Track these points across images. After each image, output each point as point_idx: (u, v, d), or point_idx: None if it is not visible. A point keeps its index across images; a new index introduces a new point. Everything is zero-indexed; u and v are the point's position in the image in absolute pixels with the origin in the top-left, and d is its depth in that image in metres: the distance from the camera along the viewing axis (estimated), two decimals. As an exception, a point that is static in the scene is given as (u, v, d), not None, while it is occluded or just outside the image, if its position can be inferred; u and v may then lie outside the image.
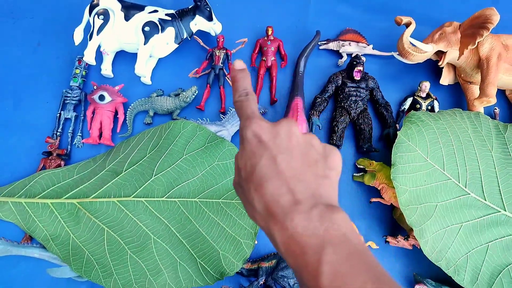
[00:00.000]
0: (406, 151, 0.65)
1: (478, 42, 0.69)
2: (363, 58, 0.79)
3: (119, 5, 0.76)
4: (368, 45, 0.81)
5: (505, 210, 0.66)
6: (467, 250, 0.64)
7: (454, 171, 0.66)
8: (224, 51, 0.80)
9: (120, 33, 0.76)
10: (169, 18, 0.78)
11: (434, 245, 0.63)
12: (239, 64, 0.40)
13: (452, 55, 0.72)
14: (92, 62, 0.76)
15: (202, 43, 0.82)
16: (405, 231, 0.69)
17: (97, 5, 0.76)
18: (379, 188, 0.70)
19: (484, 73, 0.69)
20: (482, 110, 0.75)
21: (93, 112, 0.77)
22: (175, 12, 0.79)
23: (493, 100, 0.68)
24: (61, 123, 0.78)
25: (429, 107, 0.76)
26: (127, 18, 0.76)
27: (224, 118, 0.76)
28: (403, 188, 0.63)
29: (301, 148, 0.34)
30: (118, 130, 0.78)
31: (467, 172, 0.67)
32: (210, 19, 0.79)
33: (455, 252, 0.64)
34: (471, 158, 0.67)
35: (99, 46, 0.78)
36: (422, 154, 0.65)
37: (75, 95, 0.79)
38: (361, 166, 0.73)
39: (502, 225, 0.66)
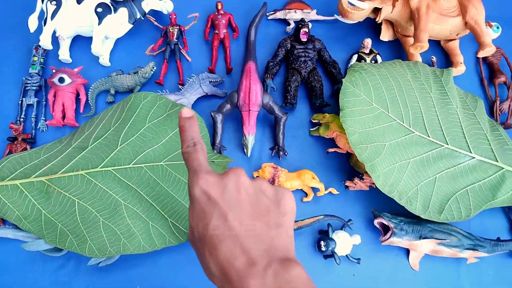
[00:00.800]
0: (352, 96, 0.70)
1: (407, -5, 0.75)
2: (309, 24, 0.84)
3: (71, -10, 0.79)
4: (312, 10, 0.87)
5: (448, 144, 0.72)
6: (417, 183, 0.70)
7: (398, 113, 0.72)
8: (178, 27, 0.84)
9: (73, 17, 0.79)
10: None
11: (386, 179, 0.68)
12: (186, 112, 0.39)
13: (387, 10, 0.79)
14: (49, 46, 0.79)
15: (155, 22, 0.85)
16: (361, 174, 0.74)
17: (49, -9, 0.79)
18: (334, 137, 0.75)
19: (416, 22, 0.75)
20: (420, 59, 0.82)
21: (55, 96, 0.79)
22: (127, -7, 0.82)
23: (425, 45, 0.74)
24: (24, 109, 0.79)
25: (373, 61, 0.82)
26: (79, 1, 0.79)
27: (182, 88, 0.80)
28: (352, 130, 0.68)
29: (251, 199, 0.34)
30: (81, 111, 0.80)
31: (410, 113, 0.73)
32: (161, -3, 0.82)
33: (406, 185, 0.69)
34: (412, 100, 0.73)
35: (54, 32, 0.80)
36: (367, 99, 0.71)
37: (35, 81, 0.80)
38: (316, 121, 0.78)
39: (446, 157, 0.72)
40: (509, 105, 0.80)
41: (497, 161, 0.72)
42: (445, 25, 0.79)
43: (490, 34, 0.83)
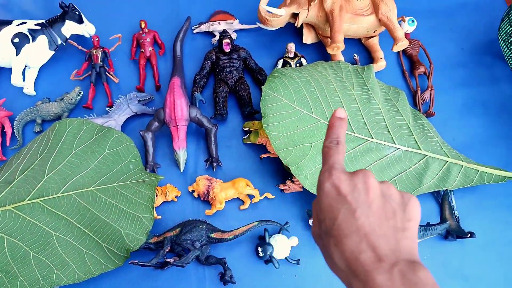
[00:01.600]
0: (273, 102, 0.71)
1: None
2: (234, 34, 0.85)
3: (-16, 23, 0.78)
4: (235, 20, 0.88)
5: (373, 138, 0.75)
6: (346, 179, 0.72)
7: (321, 113, 0.74)
8: (101, 49, 0.84)
9: (-10, 49, 0.77)
10: (39, 27, 0.80)
11: (314, 179, 0.70)
12: (340, 112, 0.40)
13: (303, 15, 0.81)
14: (-33, 82, 0.77)
15: (78, 46, 0.85)
16: (292, 176, 0.76)
17: (-39, 25, 0.77)
18: (264, 143, 0.76)
19: (331, 24, 0.78)
20: (342, 59, 0.85)
21: (-22, 131, 0.77)
22: (45, 21, 0.81)
23: (341, 46, 0.77)
24: None
25: (298, 65, 0.84)
26: (-6, 33, 0.77)
27: (110, 110, 0.79)
28: (275, 135, 0.70)
29: (379, 200, 0.34)
30: (7, 144, 0.78)
31: (334, 112, 0.75)
32: (80, 21, 0.82)
33: (336, 182, 0.71)
34: (334, 99, 0.76)
35: (-28, 66, 0.78)
36: (289, 103, 0.73)
37: (-43, 118, 0.78)
38: (247, 128, 0.79)
39: (373, 151, 0.74)
40: (430, 94, 0.84)
41: (420, 149, 0.75)
42: (360, 24, 0.82)
43: (404, 28, 0.87)
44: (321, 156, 0.70)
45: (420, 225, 0.72)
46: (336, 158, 0.37)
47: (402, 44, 0.79)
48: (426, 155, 0.75)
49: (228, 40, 0.81)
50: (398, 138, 0.75)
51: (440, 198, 0.76)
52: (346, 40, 0.83)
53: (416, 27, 0.88)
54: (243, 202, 0.76)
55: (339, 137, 0.39)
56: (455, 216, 0.73)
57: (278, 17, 0.80)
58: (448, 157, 0.75)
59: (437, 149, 0.76)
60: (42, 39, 0.80)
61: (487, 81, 0.87)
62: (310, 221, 0.71)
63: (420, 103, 0.84)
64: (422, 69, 0.86)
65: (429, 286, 0.30)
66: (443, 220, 0.73)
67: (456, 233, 0.72)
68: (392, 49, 0.79)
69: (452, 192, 0.75)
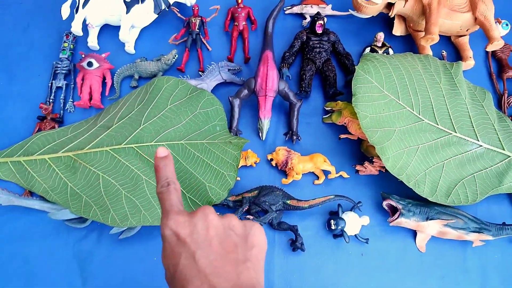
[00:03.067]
0: (364, 83, 0.73)
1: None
2: (325, 18, 0.88)
3: (102, -20, 0.85)
4: (328, 5, 0.91)
5: (456, 132, 0.75)
6: (425, 168, 0.73)
7: (408, 101, 0.75)
8: (200, 18, 0.89)
9: (103, 5, 0.84)
10: (148, -9, 0.86)
11: (395, 162, 0.71)
12: (161, 152, 0.40)
13: (400, 5, 0.82)
14: (79, 33, 0.84)
15: (178, 14, 0.90)
16: (372, 158, 0.77)
17: (82, -19, 0.84)
18: (346, 124, 0.78)
19: (427, 16, 0.79)
20: (431, 53, 0.85)
21: (83, 79, 0.84)
22: (153, -14, 0.87)
23: (436, 38, 0.78)
24: (53, 91, 0.85)
25: (385, 54, 0.86)
26: (109, -9, 0.84)
27: (203, 74, 0.84)
28: (364, 114, 0.72)
29: (220, 236, 0.35)
30: (107, 94, 0.85)
31: (420, 102, 0.76)
32: (184, -10, 0.88)
33: (415, 169, 0.72)
34: (422, 90, 0.77)
35: (85, 20, 0.85)
36: (378, 86, 0.74)
37: (65, 65, 0.86)
38: (329, 108, 0.82)
39: (454, 145, 0.75)
40: (517, 98, 0.83)
41: (503, 150, 0.75)
42: (455, 20, 0.82)
43: (499, 29, 0.86)
44: (402, 142, 0.72)
45: (495, 224, 0.72)
46: (170, 200, 0.37)
47: (498, 44, 0.78)
48: (510, 156, 0.74)
49: (321, 22, 0.84)
50: (482, 136, 0.75)
51: (518, 201, 0.75)
52: (436, 35, 0.84)
53: (509, 31, 0.87)
54: (317, 178, 0.78)
55: (168, 177, 0.39)
56: (535, 220, 0.72)
57: (374, 5, 0.82)
58: (533, 161, 0.74)
59: (521, 152, 0.75)
60: (149, 2, 0.86)
61: None
62: (384, 203, 0.72)
63: (506, 106, 0.83)
64: (510, 73, 0.85)
65: None
66: (521, 221, 0.72)
67: (534, 236, 0.71)
68: (486, 48, 0.79)
69: (532, 197, 0.74)
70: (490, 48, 0.79)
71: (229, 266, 0.34)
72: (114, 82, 0.85)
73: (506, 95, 0.84)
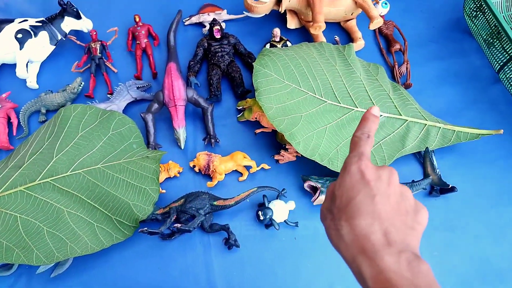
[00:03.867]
0: (264, 77, 0.78)
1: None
2: (223, 24, 0.92)
3: (-12, 21, 0.83)
4: (223, 10, 0.95)
5: (357, 107, 0.81)
6: (335, 145, 0.78)
7: (309, 86, 0.80)
8: (99, 42, 0.89)
9: (-5, 46, 0.82)
10: (40, 24, 0.85)
11: (306, 145, 0.75)
12: (376, 111, 0.42)
13: (286, 1, 0.88)
14: (-27, 77, 0.81)
15: (77, 41, 0.90)
16: (285, 145, 0.81)
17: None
18: (258, 118, 0.82)
19: (312, 7, 0.85)
20: (324, 40, 0.92)
21: (-14, 123, 0.81)
22: (45, 18, 0.86)
23: (322, 25, 0.84)
24: (-45, 141, 0.81)
25: (283, 47, 0.91)
26: (-2, 30, 0.82)
27: (111, 97, 0.84)
28: (269, 106, 0.76)
29: (396, 196, 0.37)
30: (14, 134, 0.82)
31: (320, 85, 0.81)
32: (78, 17, 0.87)
33: (326, 148, 0.77)
34: (320, 74, 0.82)
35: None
36: (278, 77, 0.79)
37: (-36, 112, 0.82)
38: (241, 107, 0.85)
39: (358, 119, 0.80)
40: (406, 68, 0.92)
41: (401, 115, 0.82)
42: (338, 6, 0.90)
43: (379, 10, 0.95)
44: (310, 125, 0.76)
45: (405, 183, 0.78)
46: (365, 148, 0.40)
47: (378, 22, 0.86)
48: (407, 120, 0.82)
49: (218, 27, 0.87)
50: (380, 107, 0.82)
51: (422, 158, 0.82)
52: (327, 24, 0.90)
53: (389, 10, 0.96)
54: (241, 175, 0.81)
55: (370, 131, 0.41)
56: (437, 172, 0.80)
57: (263, 4, 0.87)
58: (427, 120, 0.82)
59: (416, 114, 0.83)
60: (43, 35, 0.85)
61: (457, 54, 0.95)
62: (305, 185, 0.76)
63: (398, 76, 0.91)
64: (397, 46, 0.94)
65: (430, 279, 0.33)
66: (426, 176, 0.79)
67: (439, 186, 0.78)
68: (368, 27, 0.87)
69: (433, 152, 0.81)
70: (372, 27, 0.87)
71: (400, 224, 0.35)
72: (21, 121, 0.83)
73: (396, 66, 0.92)
